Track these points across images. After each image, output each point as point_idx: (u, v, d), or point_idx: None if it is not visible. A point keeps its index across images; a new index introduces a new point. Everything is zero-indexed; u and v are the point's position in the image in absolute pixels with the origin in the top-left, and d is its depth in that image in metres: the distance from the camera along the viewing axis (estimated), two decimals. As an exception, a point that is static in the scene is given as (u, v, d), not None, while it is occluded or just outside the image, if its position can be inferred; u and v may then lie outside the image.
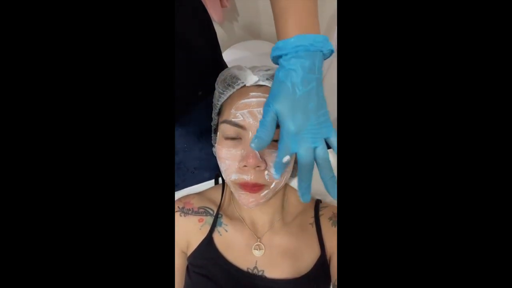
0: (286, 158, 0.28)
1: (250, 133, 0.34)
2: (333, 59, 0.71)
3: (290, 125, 0.27)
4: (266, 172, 0.34)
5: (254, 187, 0.34)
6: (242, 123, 0.34)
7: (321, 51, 0.28)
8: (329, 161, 0.28)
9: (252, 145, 0.27)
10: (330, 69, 0.75)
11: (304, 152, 0.27)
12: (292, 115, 0.27)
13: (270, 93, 0.29)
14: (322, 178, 0.28)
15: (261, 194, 0.35)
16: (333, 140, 0.28)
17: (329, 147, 0.29)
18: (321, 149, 0.28)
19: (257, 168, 0.33)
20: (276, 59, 0.29)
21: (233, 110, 0.35)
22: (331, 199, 0.50)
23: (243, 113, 0.34)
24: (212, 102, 0.44)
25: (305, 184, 0.28)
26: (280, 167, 0.28)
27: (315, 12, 0.29)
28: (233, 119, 0.35)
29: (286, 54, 0.27)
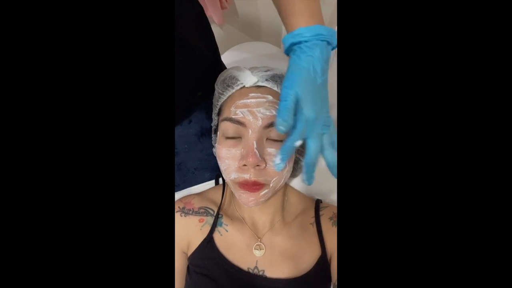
0: (299, 142, 0.28)
1: (250, 131, 0.34)
2: (333, 57, 0.71)
3: (310, 111, 0.27)
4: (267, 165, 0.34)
5: (253, 186, 0.34)
6: (242, 120, 0.34)
7: (332, 44, 0.29)
8: (334, 146, 0.29)
9: (281, 127, 0.27)
10: (331, 68, 0.75)
11: (316, 138, 0.28)
12: (313, 101, 0.28)
13: (288, 77, 0.29)
14: (328, 162, 0.29)
15: (261, 193, 0.35)
16: (331, 131, 0.29)
17: None
18: (327, 136, 0.29)
19: (257, 167, 0.33)
20: (291, 46, 0.29)
21: (232, 108, 0.35)
22: (331, 199, 0.50)
23: (243, 111, 0.35)
24: (212, 103, 0.44)
25: (312, 168, 0.29)
26: (289, 152, 0.28)
27: (320, 9, 0.30)
28: (233, 117, 0.35)
29: (307, 41, 0.28)
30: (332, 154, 0.29)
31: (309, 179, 0.29)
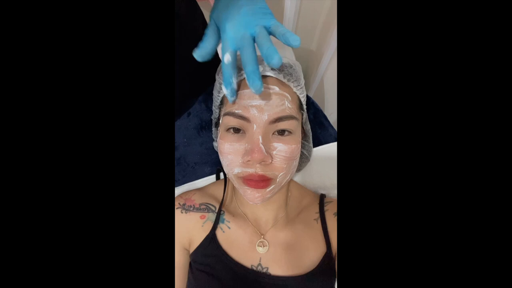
0: (227, 57, 0.29)
1: (255, 126, 0.32)
2: (333, 56, 0.69)
3: (224, 22, 0.29)
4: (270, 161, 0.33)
5: (260, 182, 0.33)
6: (246, 114, 0.32)
7: None
8: (268, 38, 0.28)
9: (195, 54, 0.29)
10: (329, 67, 0.73)
11: (240, 36, 0.28)
12: (224, 15, 0.29)
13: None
14: (260, 50, 0.28)
15: (267, 190, 0.33)
16: (275, 29, 0.28)
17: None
18: (259, 31, 0.28)
19: (263, 163, 0.32)
20: None
21: (236, 101, 0.33)
22: (335, 194, 0.49)
23: (247, 104, 0.32)
24: (211, 93, 0.42)
25: (252, 67, 0.28)
26: (227, 72, 0.30)
27: None
28: (236, 111, 0.32)
29: None
30: (266, 44, 0.27)
31: (253, 81, 0.28)
